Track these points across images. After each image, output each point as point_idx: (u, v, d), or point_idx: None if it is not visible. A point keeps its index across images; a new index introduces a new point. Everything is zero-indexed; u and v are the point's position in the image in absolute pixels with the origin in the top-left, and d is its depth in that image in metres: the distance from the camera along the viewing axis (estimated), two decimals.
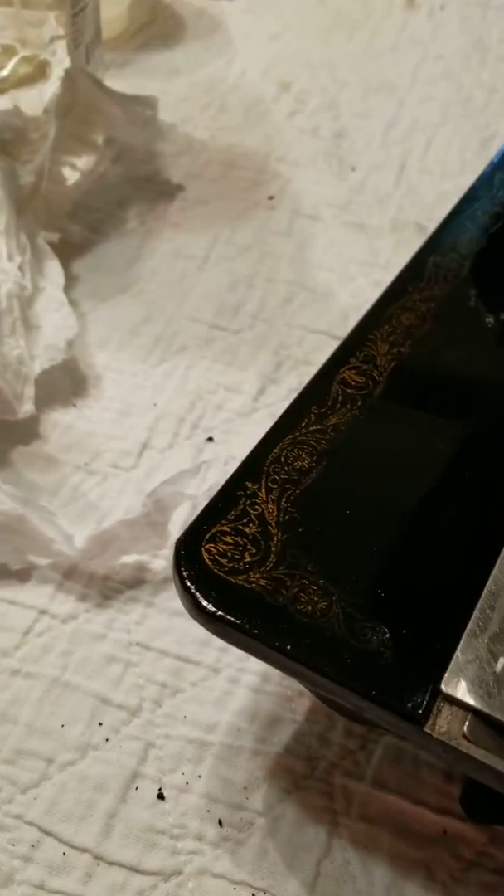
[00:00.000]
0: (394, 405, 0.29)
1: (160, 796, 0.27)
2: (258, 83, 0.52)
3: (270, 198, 0.45)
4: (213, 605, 0.23)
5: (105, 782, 0.27)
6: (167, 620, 0.30)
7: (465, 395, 0.29)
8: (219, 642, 0.24)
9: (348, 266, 0.43)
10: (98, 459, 0.34)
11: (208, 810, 0.27)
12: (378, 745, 0.28)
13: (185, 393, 0.36)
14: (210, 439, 0.35)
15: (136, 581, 0.31)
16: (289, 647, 0.22)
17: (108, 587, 0.30)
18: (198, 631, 0.25)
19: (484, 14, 0.61)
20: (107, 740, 0.27)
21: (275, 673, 0.28)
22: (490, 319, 0.32)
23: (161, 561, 0.31)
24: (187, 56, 0.54)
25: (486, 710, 0.21)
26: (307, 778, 0.27)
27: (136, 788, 0.27)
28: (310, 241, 0.44)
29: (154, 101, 0.42)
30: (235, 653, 0.29)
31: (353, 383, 0.29)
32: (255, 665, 0.29)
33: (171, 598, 0.30)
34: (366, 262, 0.43)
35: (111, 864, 0.25)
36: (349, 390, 0.29)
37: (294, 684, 0.29)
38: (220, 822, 0.26)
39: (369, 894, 0.25)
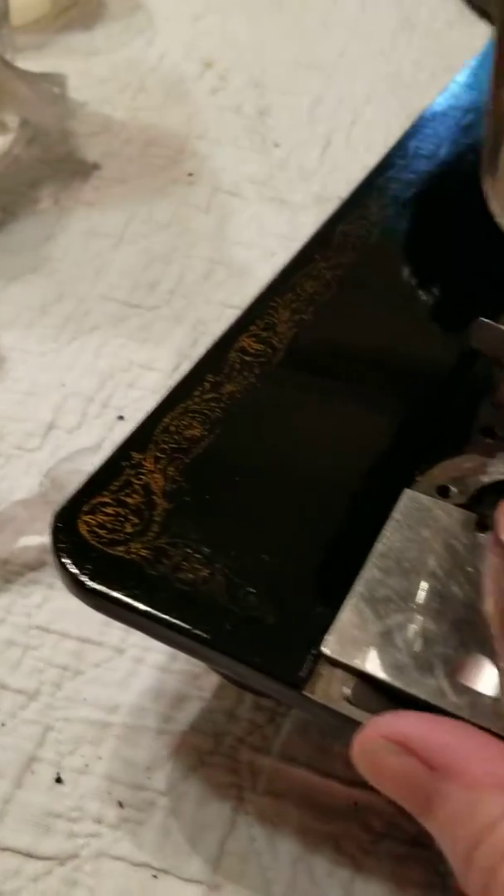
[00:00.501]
0: (292, 372, 0.28)
1: (58, 780, 0.26)
2: (180, 63, 0.52)
3: (190, 175, 0.45)
4: (89, 578, 0.22)
5: (0, 768, 0.26)
6: (70, 602, 0.29)
7: (365, 363, 0.29)
8: None
9: (269, 242, 0.42)
10: (1, 441, 0.33)
11: (109, 792, 0.26)
12: (287, 719, 0.27)
13: (95, 372, 0.36)
14: (121, 418, 0.34)
15: (37, 563, 0.30)
16: (167, 617, 0.21)
17: (7, 570, 0.29)
18: None
19: None
20: (3, 725, 0.26)
21: None
22: (396, 286, 0.32)
23: None
24: (108, 37, 0.53)
25: (367, 669, 0.20)
26: (212, 755, 0.27)
27: (33, 773, 0.26)
28: (230, 218, 0.43)
29: (62, 78, 0.42)
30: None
31: (251, 351, 0.28)
32: (161, 644, 0.28)
33: None
34: (287, 237, 0.43)
35: (4, 849, 0.24)
36: (247, 358, 0.28)
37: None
38: (120, 804, 0.26)
39: (275, 870, 0.25)
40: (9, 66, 0.40)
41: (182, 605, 0.22)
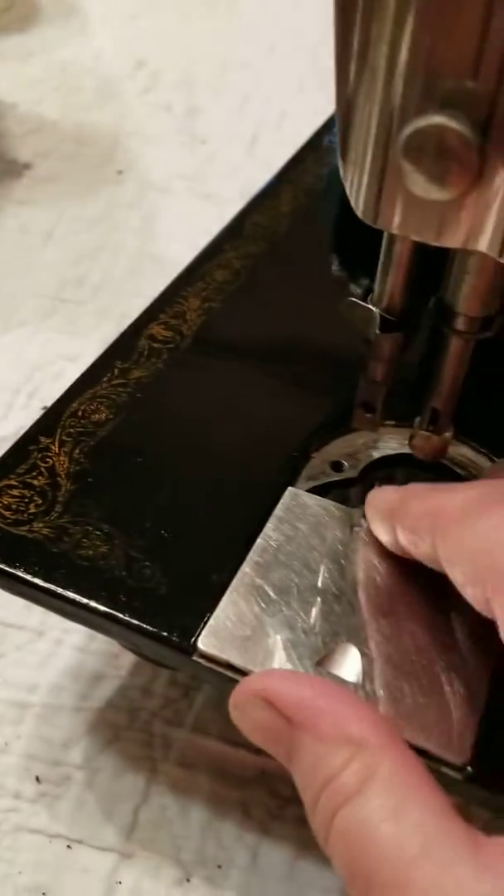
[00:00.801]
0: (198, 358, 0.29)
1: None
2: (113, 63, 0.52)
3: (120, 172, 0.45)
4: None
5: None
6: None
7: (270, 347, 0.30)
8: None
9: (197, 236, 0.43)
10: None
11: (27, 769, 0.27)
12: (200, 693, 0.28)
13: (22, 364, 0.36)
14: (45, 409, 0.35)
15: None
16: (65, 592, 0.22)
17: None
18: None
19: None
20: None
21: None
22: (303, 274, 0.33)
23: None
24: (43, 39, 0.54)
25: (236, 663, 0.21)
26: (127, 729, 0.27)
27: None
28: (159, 213, 0.44)
29: None
30: None
31: (160, 338, 0.29)
32: (80, 625, 0.29)
33: None
34: (215, 231, 0.43)
35: None
36: (156, 345, 0.29)
37: None
38: (37, 779, 0.26)
39: (185, 837, 0.26)
40: None
41: (80, 580, 0.22)
